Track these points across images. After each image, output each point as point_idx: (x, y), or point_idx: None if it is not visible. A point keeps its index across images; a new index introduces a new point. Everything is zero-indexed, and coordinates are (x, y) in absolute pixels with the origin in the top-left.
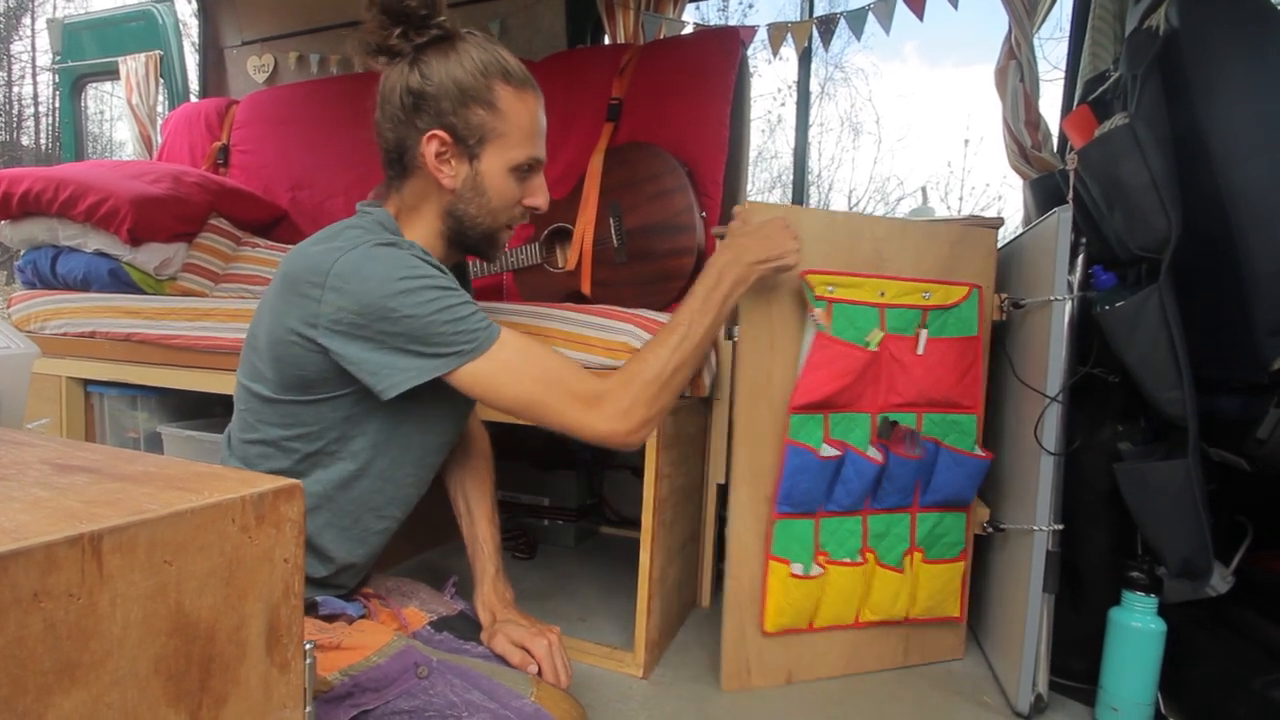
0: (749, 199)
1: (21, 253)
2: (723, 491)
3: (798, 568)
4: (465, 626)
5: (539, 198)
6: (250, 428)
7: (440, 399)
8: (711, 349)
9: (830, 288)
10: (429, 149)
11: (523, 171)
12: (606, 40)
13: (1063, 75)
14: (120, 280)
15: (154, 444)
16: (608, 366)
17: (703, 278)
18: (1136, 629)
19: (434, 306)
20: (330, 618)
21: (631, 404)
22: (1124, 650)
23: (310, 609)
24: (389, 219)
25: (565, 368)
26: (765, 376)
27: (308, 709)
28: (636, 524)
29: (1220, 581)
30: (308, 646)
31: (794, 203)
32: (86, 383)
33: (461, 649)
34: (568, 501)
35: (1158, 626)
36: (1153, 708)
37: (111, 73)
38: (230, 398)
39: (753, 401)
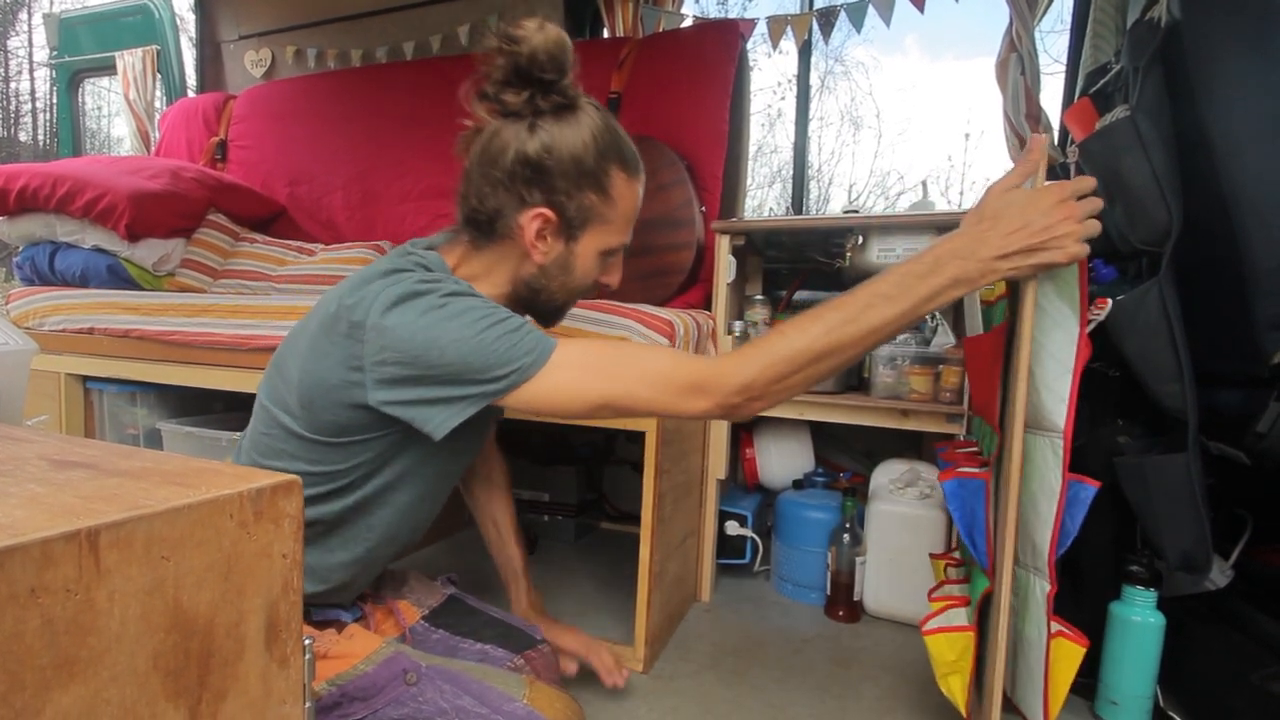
0: (748, 194)
1: (20, 249)
2: (723, 486)
3: None
4: (459, 616)
5: (614, 276)
6: (271, 453)
7: (475, 425)
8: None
9: None
10: (530, 225)
11: (609, 255)
12: (605, 33)
13: (1064, 69)
14: (119, 276)
15: (154, 440)
16: None
17: (913, 260)
18: (1136, 623)
19: (481, 325)
20: (323, 624)
21: (747, 383)
22: (1123, 644)
23: (305, 614)
24: (442, 266)
25: (652, 359)
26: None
27: (307, 704)
28: (636, 519)
29: (1219, 575)
30: (307, 642)
31: (793, 199)
32: (86, 379)
33: (458, 647)
34: (568, 497)
35: (1157, 620)
36: (1151, 701)
37: (108, 68)
38: (229, 394)
39: None
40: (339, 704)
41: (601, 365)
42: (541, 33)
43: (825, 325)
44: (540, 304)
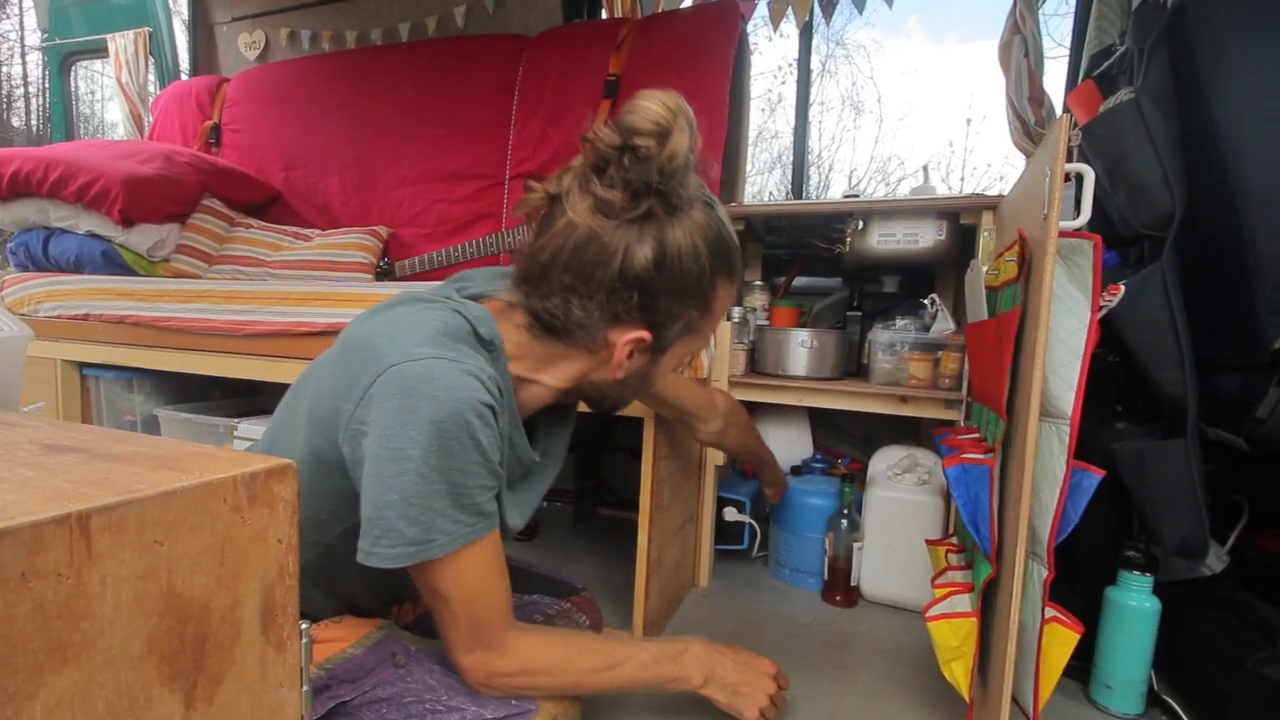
0: (748, 179)
1: (13, 234)
2: (720, 472)
3: None
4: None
5: (681, 365)
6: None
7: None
8: None
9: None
10: (623, 347)
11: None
12: (604, 14)
13: (1067, 53)
14: (113, 262)
15: (151, 427)
16: None
17: (671, 647)
18: (1132, 607)
19: (439, 489)
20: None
21: (506, 683)
22: (1119, 628)
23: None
24: (488, 326)
25: (485, 604)
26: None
27: (305, 688)
28: (634, 505)
29: (1216, 561)
30: (304, 626)
31: (793, 184)
32: (82, 365)
33: None
34: (566, 483)
35: (1153, 605)
36: (1146, 685)
37: (100, 50)
38: (227, 380)
39: None
40: (328, 686)
41: (473, 584)
42: (684, 135)
43: (591, 671)
44: (603, 405)
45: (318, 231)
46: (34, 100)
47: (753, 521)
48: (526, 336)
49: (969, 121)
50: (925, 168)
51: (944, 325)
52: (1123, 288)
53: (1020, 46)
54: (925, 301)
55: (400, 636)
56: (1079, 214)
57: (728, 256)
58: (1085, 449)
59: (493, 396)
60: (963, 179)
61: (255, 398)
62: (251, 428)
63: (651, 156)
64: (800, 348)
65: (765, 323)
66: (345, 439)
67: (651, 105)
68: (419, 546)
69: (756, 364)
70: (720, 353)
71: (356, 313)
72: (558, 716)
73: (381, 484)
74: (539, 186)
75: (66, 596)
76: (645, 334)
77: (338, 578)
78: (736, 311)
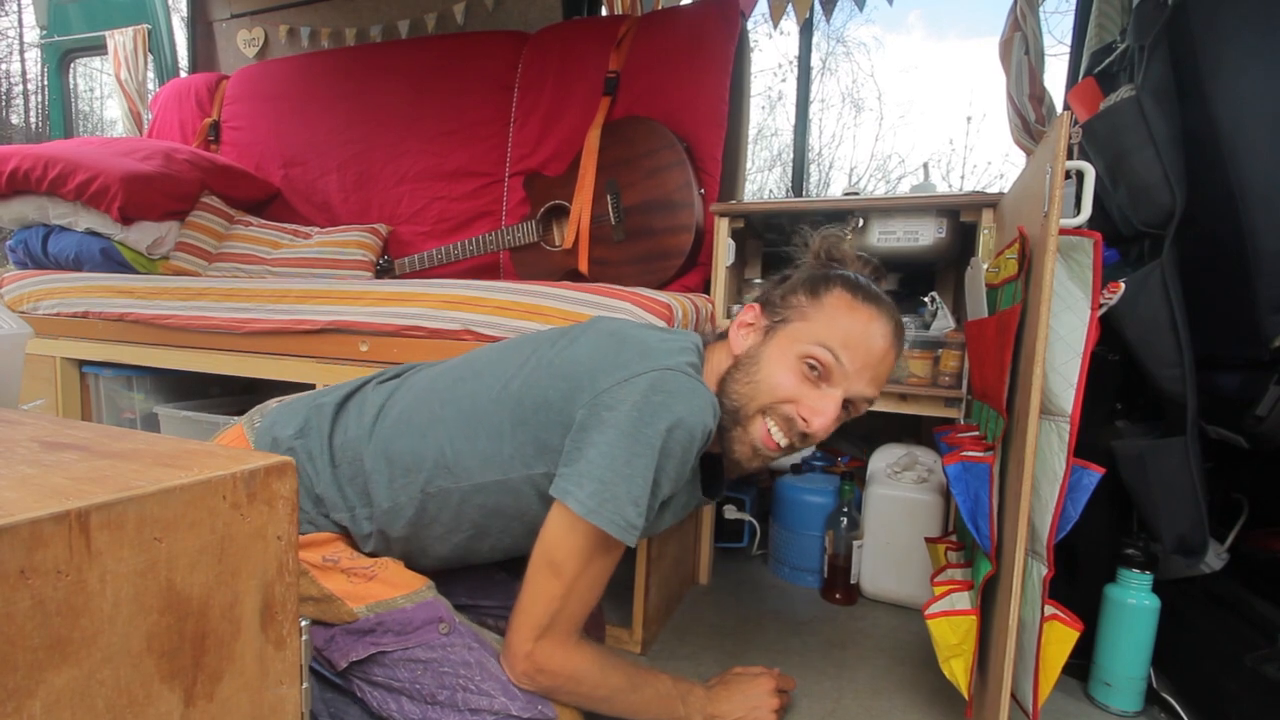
0: (748, 177)
1: (12, 232)
2: None
3: None
4: (509, 588)
5: (809, 412)
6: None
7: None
8: None
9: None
10: (743, 314)
11: (808, 367)
12: (604, 11)
13: (1068, 50)
14: (112, 259)
15: (151, 425)
16: None
17: (679, 686)
18: (1131, 605)
19: (626, 455)
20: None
21: (551, 682)
22: (1118, 626)
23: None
24: (699, 365)
25: (585, 599)
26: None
27: (304, 685)
28: None
29: (1215, 559)
30: (304, 623)
31: (793, 182)
32: (81, 363)
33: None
34: None
35: (1152, 603)
36: (1145, 682)
37: (99, 47)
38: (226, 378)
39: None
40: (373, 630)
41: (580, 568)
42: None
43: (617, 691)
44: (726, 412)
45: (317, 229)
46: (33, 98)
47: (753, 519)
48: (712, 345)
49: (969, 119)
50: (925, 165)
51: (944, 323)
52: (1123, 285)
53: (1021, 43)
54: (925, 299)
55: (446, 604)
56: (1079, 211)
57: (853, 279)
58: (1085, 447)
59: (715, 424)
60: (963, 177)
61: (255, 395)
62: None
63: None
64: None
65: None
66: (587, 403)
67: (847, 253)
68: (629, 528)
69: None
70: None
71: (357, 310)
72: None
73: (625, 456)
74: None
75: (66, 593)
76: (758, 306)
77: (446, 517)
78: (737, 309)
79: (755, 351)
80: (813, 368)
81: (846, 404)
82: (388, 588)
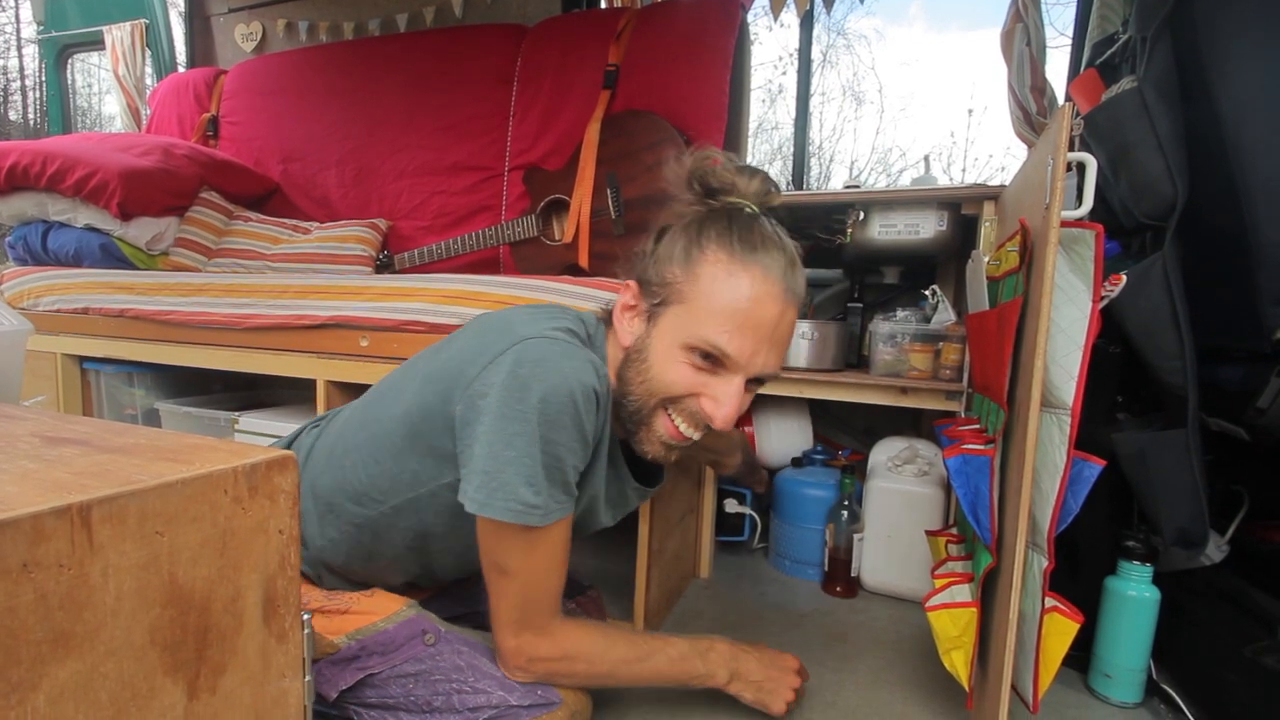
0: None
1: (11, 228)
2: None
3: None
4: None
5: (711, 405)
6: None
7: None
8: None
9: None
10: (623, 295)
11: (699, 358)
12: (603, 4)
13: (1069, 42)
14: (112, 255)
15: (152, 421)
16: None
17: (697, 645)
18: (1131, 597)
19: (545, 460)
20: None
21: (546, 668)
22: (1118, 618)
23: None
24: (596, 327)
25: (546, 587)
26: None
27: (306, 678)
28: None
29: (1215, 551)
30: (306, 616)
31: (794, 176)
32: (82, 359)
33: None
34: None
35: (1152, 595)
36: (1145, 674)
37: (97, 43)
38: (227, 374)
39: None
40: (358, 656)
41: (528, 568)
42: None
43: (623, 661)
44: (622, 405)
45: (316, 224)
46: (30, 94)
47: (753, 513)
48: (609, 330)
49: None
50: (926, 158)
51: (945, 316)
52: (1124, 278)
53: (1023, 35)
54: (926, 292)
55: (430, 616)
56: (1081, 204)
57: (731, 233)
58: (1085, 439)
59: (602, 385)
60: (964, 170)
61: (256, 391)
62: (252, 420)
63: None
64: (800, 339)
65: None
66: (462, 399)
67: (735, 179)
68: (528, 509)
69: None
70: None
71: (357, 305)
72: (576, 713)
73: (503, 440)
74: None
75: (68, 587)
76: (634, 284)
77: (383, 547)
78: None
79: (642, 344)
80: (705, 357)
81: (752, 381)
82: (364, 616)
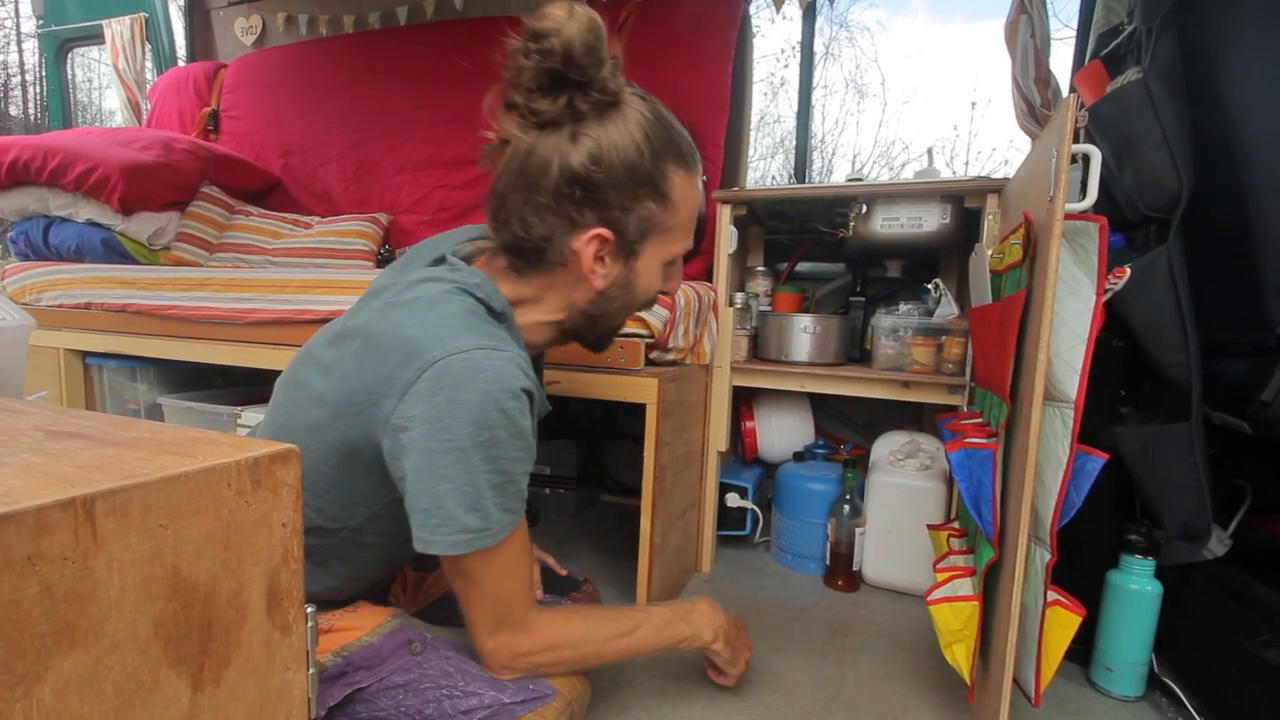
0: (750, 165)
1: (13, 223)
2: (722, 459)
3: None
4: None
5: (675, 283)
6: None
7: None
8: None
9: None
10: (587, 250)
11: (673, 262)
12: None
13: (1074, 33)
14: (114, 250)
15: (155, 416)
16: None
17: (680, 607)
18: (1133, 591)
19: (491, 479)
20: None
21: (530, 661)
22: (1120, 612)
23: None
24: (497, 296)
25: (515, 584)
26: None
27: (311, 670)
28: (637, 491)
29: (1218, 544)
30: (310, 610)
31: (796, 169)
32: (85, 355)
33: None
34: (569, 470)
35: (1154, 589)
36: (1147, 667)
37: (97, 37)
38: (229, 369)
39: None
40: (345, 673)
41: (500, 575)
42: (573, 21)
43: (606, 639)
44: (597, 331)
45: (318, 219)
46: (31, 89)
47: (755, 507)
48: (514, 278)
49: (974, 104)
50: (929, 151)
51: (947, 310)
52: (1128, 271)
53: (1026, 26)
54: (929, 286)
55: (414, 624)
56: (1085, 196)
57: (671, 140)
58: (1088, 433)
59: (529, 379)
60: (967, 163)
61: (258, 386)
62: (254, 415)
63: (553, 50)
64: (803, 333)
65: (768, 308)
66: (385, 433)
67: (548, 8)
68: (476, 534)
69: (759, 350)
70: (722, 338)
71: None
72: (573, 701)
73: (435, 474)
74: (491, 135)
75: (72, 580)
76: (603, 230)
77: (353, 562)
78: (740, 297)
79: (626, 280)
80: (676, 260)
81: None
82: (348, 632)
